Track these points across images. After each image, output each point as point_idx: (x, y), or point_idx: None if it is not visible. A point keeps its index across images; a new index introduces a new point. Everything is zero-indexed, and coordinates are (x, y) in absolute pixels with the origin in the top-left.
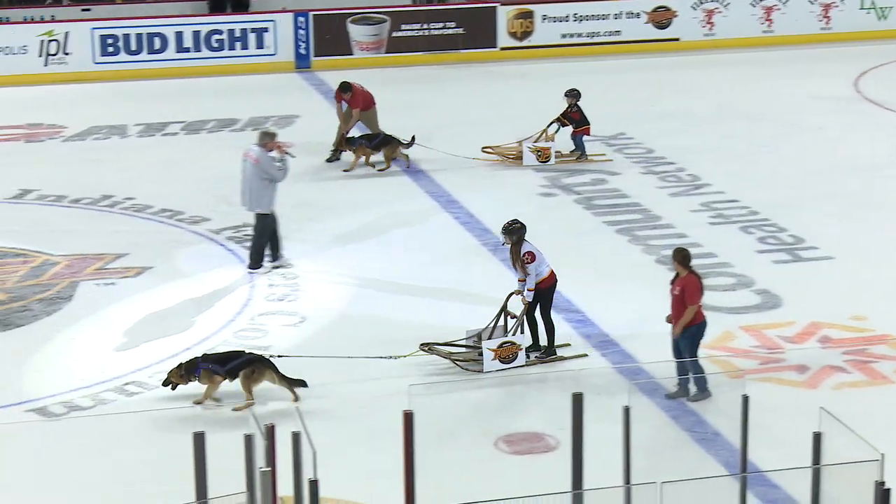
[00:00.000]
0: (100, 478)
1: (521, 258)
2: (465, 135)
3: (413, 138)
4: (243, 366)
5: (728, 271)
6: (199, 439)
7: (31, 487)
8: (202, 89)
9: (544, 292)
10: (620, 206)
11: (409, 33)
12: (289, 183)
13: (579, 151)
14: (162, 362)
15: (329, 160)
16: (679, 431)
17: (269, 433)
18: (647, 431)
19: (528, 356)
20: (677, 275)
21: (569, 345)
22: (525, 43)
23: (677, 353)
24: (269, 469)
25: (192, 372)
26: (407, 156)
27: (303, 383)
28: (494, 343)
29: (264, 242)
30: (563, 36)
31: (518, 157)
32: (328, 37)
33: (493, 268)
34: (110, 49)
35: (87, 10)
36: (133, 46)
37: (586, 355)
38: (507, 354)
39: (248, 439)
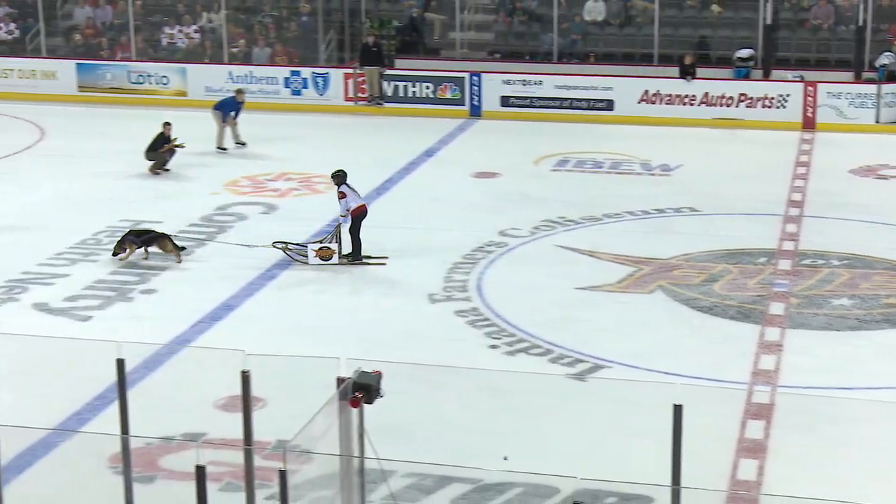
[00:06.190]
0: None
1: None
2: None
3: None
4: (152, 240)
5: None
6: None
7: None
8: None
9: (355, 219)
10: None
11: None
12: None
13: None
14: None
15: None
16: None
17: None
18: None
19: (343, 259)
20: None
21: (386, 258)
22: None
23: None
24: None
25: (123, 242)
26: None
27: (184, 248)
28: (317, 245)
29: None
30: None
31: None
32: None
33: None
34: None
35: None
36: None
37: (385, 260)
38: (323, 255)
39: None
